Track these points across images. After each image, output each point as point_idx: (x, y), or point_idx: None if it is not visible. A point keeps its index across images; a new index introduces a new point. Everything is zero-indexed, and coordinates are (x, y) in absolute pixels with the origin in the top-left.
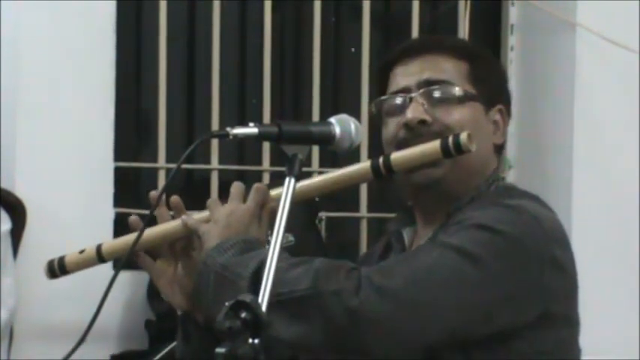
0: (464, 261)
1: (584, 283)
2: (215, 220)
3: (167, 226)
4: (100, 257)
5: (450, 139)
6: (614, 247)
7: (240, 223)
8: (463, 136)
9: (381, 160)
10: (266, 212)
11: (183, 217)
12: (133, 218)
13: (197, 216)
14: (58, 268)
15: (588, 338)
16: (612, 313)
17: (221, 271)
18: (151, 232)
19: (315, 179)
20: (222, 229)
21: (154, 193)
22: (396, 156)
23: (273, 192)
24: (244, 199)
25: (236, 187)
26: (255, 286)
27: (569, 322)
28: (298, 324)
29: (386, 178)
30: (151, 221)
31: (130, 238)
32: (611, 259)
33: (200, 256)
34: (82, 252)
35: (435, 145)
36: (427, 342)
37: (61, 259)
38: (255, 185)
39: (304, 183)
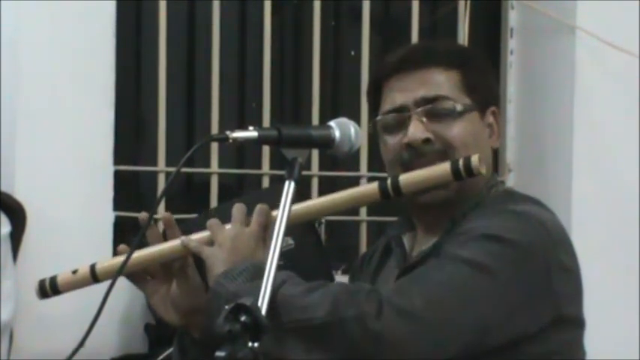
0: (477, 274)
1: (584, 285)
2: (220, 244)
3: (165, 246)
4: (94, 277)
5: (461, 162)
6: (614, 249)
7: (247, 247)
8: (474, 160)
9: (389, 182)
10: (269, 234)
11: (183, 238)
12: (121, 247)
13: (196, 236)
14: (49, 288)
15: (588, 339)
16: (612, 314)
17: (233, 299)
18: (147, 251)
19: (323, 199)
20: (229, 253)
21: (143, 215)
22: (405, 178)
23: (275, 212)
24: (245, 221)
25: (238, 208)
26: (269, 313)
27: (578, 323)
28: (319, 351)
29: (395, 199)
30: (141, 242)
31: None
32: (611, 261)
33: (209, 282)
34: (74, 272)
35: (444, 167)
36: (447, 357)
37: (53, 279)
38: (258, 207)
39: (310, 203)
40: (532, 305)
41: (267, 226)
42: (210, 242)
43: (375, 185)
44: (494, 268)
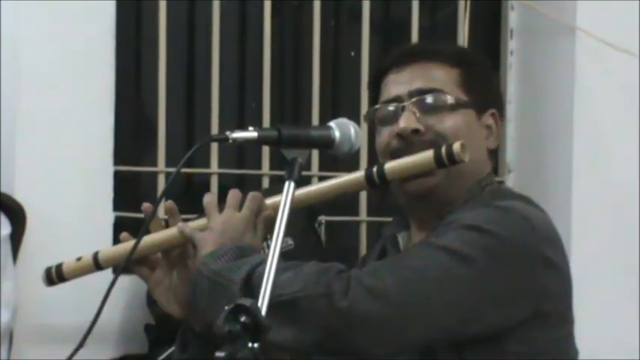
0: (453, 260)
1: (584, 285)
2: (211, 228)
3: (164, 233)
4: (97, 265)
5: (443, 149)
6: (614, 249)
7: (235, 231)
8: (456, 147)
9: (374, 169)
10: (261, 220)
11: (180, 224)
12: (123, 235)
13: (193, 224)
14: (55, 276)
15: (588, 339)
16: (612, 313)
17: (214, 277)
18: (147, 239)
19: (309, 188)
20: (217, 236)
21: (147, 205)
22: (390, 166)
23: (269, 200)
24: (240, 207)
25: (232, 194)
26: (247, 291)
27: (563, 321)
28: (289, 327)
29: (380, 186)
30: (145, 233)
31: (126, 245)
32: (611, 261)
33: (195, 264)
34: (79, 259)
35: (428, 155)
36: (418, 341)
37: (59, 267)
38: (251, 193)
39: (297, 192)
40: (509, 297)
41: (259, 212)
42: (206, 228)
43: (361, 173)
44: (470, 257)
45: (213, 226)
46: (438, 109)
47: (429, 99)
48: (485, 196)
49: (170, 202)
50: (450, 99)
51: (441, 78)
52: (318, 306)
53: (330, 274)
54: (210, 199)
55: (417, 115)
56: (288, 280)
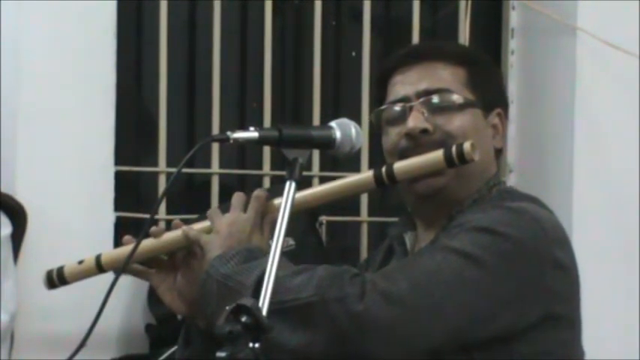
0: (466, 264)
1: (584, 285)
2: (217, 231)
3: (168, 236)
4: (99, 267)
5: (454, 148)
6: (615, 249)
7: (242, 233)
8: (466, 146)
9: (384, 169)
10: (267, 221)
11: (184, 227)
12: (126, 238)
13: (197, 226)
14: (57, 279)
15: (588, 338)
16: (612, 313)
17: (224, 281)
18: (150, 242)
19: (317, 188)
20: (224, 239)
21: (127, 238)
22: (399, 165)
23: (275, 201)
24: (245, 209)
25: (237, 196)
26: (258, 295)
27: (572, 322)
28: (303, 331)
29: (388, 187)
30: (144, 237)
31: (129, 248)
32: (612, 261)
33: (203, 266)
34: (80, 262)
35: (438, 154)
36: (432, 345)
37: (60, 270)
38: (255, 193)
39: (306, 192)
40: (521, 299)
41: (264, 213)
42: (211, 231)
43: (369, 173)
44: (483, 259)
45: (219, 229)
46: (446, 108)
47: (437, 99)
48: (493, 196)
49: (177, 221)
50: (457, 98)
51: (448, 77)
52: (333, 310)
53: (344, 277)
54: (212, 209)
55: (425, 114)
56: (302, 284)
